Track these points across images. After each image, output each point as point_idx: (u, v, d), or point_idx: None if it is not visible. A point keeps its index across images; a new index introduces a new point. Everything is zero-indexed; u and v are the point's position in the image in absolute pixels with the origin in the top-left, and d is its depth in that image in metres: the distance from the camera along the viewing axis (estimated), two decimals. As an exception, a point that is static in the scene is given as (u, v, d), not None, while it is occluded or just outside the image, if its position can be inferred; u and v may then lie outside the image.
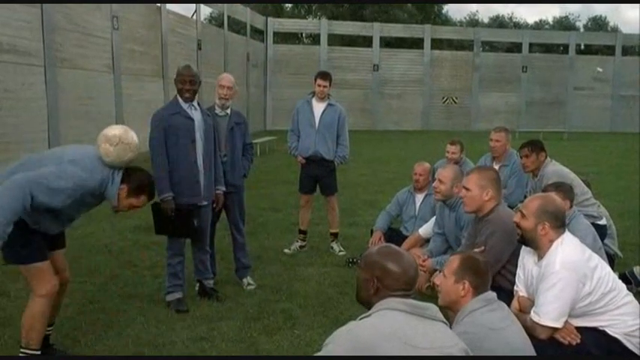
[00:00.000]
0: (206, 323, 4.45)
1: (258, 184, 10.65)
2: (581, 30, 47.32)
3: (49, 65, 12.65)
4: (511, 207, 4.60)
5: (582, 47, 35.76)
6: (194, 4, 22.19)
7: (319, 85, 6.37)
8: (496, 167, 6.03)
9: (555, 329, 3.05)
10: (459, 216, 4.74)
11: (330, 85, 6.42)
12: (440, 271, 2.94)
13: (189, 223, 4.68)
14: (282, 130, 17.97)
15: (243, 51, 27.51)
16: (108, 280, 5.50)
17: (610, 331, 3.10)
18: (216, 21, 33.60)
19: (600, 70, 34.02)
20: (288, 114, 7.21)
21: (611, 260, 4.96)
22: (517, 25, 49.68)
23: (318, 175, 6.53)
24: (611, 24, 52.11)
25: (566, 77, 34.34)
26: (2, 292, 5.00)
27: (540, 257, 3.23)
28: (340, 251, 6.54)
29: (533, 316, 3.09)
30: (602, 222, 5.23)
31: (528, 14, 73.01)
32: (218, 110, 5.24)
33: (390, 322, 2.05)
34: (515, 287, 3.48)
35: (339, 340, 2.02)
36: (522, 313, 3.23)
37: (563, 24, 49.59)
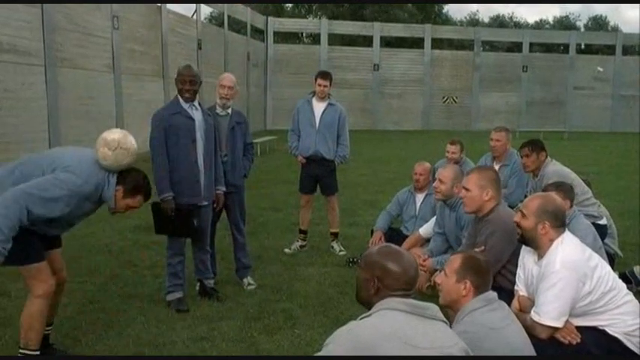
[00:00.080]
0: (206, 323, 4.45)
1: (259, 184, 10.65)
2: (582, 29, 47.32)
3: (49, 65, 12.66)
4: (511, 207, 4.60)
5: (583, 47, 35.74)
6: (194, 4, 22.20)
7: (319, 85, 6.36)
8: (496, 167, 6.03)
9: (555, 329, 3.05)
10: (460, 216, 4.74)
11: (330, 84, 6.42)
12: (440, 271, 2.94)
13: (189, 222, 4.68)
14: (282, 129, 17.97)
15: (243, 51, 27.51)
16: (108, 279, 5.50)
17: (610, 331, 3.10)
18: (216, 20, 33.61)
19: (601, 69, 34.02)
20: (289, 113, 7.21)
21: (612, 260, 4.96)
22: (517, 25, 49.69)
23: (318, 175, 6.53)
24: (612, 23, 52.19)
25: (567, 77, 34.34)
26: (2, 292, 5.00)
27: (540, 257, 3.23)
28: (341, 251, 6.54)
29: (534, 315, 3.09)
30: (603, 222, 5.23)
31: (529, 14, 73.11)
32: (219, 110, 5.24)
33: (390, 321, 2.05)
34: (515, 287, 3.48)
35: (339, 340, 2.02)
36: (523, 312, 3.23)
37: (564, 23, 49.60)
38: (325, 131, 6.39)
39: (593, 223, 4.70)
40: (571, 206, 4.35)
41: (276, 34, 33.18)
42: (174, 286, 4.82)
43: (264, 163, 14.17)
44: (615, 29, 47.83)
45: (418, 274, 2.29)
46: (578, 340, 3.05)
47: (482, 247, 3.84)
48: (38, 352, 3.59)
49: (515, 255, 3.58)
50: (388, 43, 34.90)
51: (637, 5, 57.70)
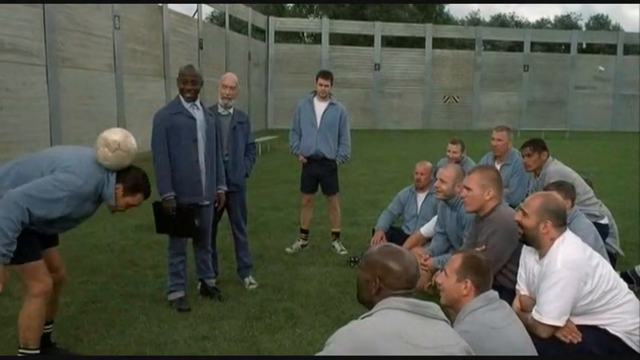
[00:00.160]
0: (208, 322, 4.46)
1: (259, 184, 10.66)
2: (583, 29, 47.27)
3: (50, 65, 12.67)
4: (513, 206, 4.59)
5: (584, 46, 35.73)
6: (195, 4, 22.21)
7: (321, 85, 6.36)
8: (498, 166, 6.03)
9: (557, 328, 3.05)
10: (461, 215, 4.74)
11: (331, 84, 6.42)
12: (441, 270, 2.95)
13: (191, 222, 4.68)
14: (283, 129, 17.98)
15: (244, 50, 27.53)
16: (110, 279, 5.51)
17: (611, 330, 3.10)
18: (217, 20, 33.61)
19: (602, 69, 34.00)
20: (290, 113, 7.21)
21: (613, 259, 4.97)
22: (518, 24, 49.65)
23: (319, 175, 6.53)
24: (613, 23, 51.98)
25: (568, 76, 34.33)
26: (4, 291, 4.97)
27: (542, 256, 3.23)
28: (342, 250, 6.55)
29: (535, 314, 3.09)
30: (604, 221, 5.23)
31: (530, 13, 72.99)
32: (221, 110, 5.25)
33: (391, 321, 2.06)
34: (516, 286, 3.48)
35: (340, 340, 2.03)
36: (524, 311, 3.23)
37: (565, 23, 49.56)
38: (326, 131, 6.39)
39: (595, 223, 4.71)
40: (572, 206, 4.36)
41: (277, 33, 33.20)
42: (175, 285, 4.83)
43: (265, 163, 14.17)
44: (616, 28, 47.81)
45: (419, 273, 2.30)
46: (579, 340, 3.05)
47: (484, 247, 3.84)
48: (38, 352, 3.58)
49: (517, 254, 3.58)
50: (389, 42, 34.91)
51: (638, 5, 57.64)
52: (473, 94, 33.98)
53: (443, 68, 33.84)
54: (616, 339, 3.10)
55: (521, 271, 3.45)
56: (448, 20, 47.85)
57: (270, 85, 31.88)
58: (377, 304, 2.17)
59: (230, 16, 25.96)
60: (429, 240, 5.50)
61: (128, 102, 16.05)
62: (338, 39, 34.33)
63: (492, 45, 40.94)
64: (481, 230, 4.00)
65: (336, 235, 6.72)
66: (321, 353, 2.06)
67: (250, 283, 5.35)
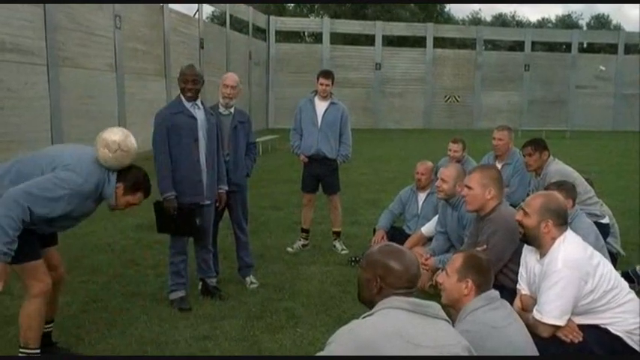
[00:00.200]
0: (209, 322, 4.46)
1: (260, 183, 10.66)
2: (584, 28, 47.23)
3: (51, 64, 12.67)
4: (514, 206, 4.59)
5: (585, 46, 35.67)
6: (196, 4, 22.21)
7: (322, 84, 6.36)
8: (499, 166, 6.03)
9: (558, 327, 3.05)
10: (462, 215, 4.74)
11: (332, 83, 6.41)
12: (442, 270, 2.95)
13: (192, 222, 4.69)
14: (284, 128, 17.98)
15: (245, 50, 27.53)
16: (111, 278, 5.51)
17: (612, 329, 3.10)
18: (218, 20, 33.60)
19: (603, 68, 33.98)
20: (291, 112, 7.21)
21: (614, 259, 4.97)
22: (519, 24, 49.63)
23: (320, 174, 6.53)
24: (614, 22, 51.92)
25: (569, 76, 34.32)
26: (5, 290, 4.96)
27: (542, 255, 3.23)
28: (343, 250, 6.55)
29: (536, 314, 3.09)
30: (605, 220, 5.23)
31: (531, 13, 72.91)
32: (222, 109, 5.25)
33: (392, 320, 2.06)
34: (517, 285, 3.48)
35: (340, 340, 2.03)
36: (525, 311, 3.23)
37: (566, 22, 49.51)
38: (327, 130, 6.39)
39: (596, 222, 4.71)
40: (573, 205, 4.36)
41: (278, 33, 33.20)
42: (176, 284, 4.83)
43: (265, 162, 14.17)
44: (618, 28, 47.75)
45: (420, 272, 2.30)
46: (580, 339, 3.05)
47: (484, 246, 3.84)
48: (38, 351, 3.58)
49: (518, 254, 3.58)
50: (390, 42, 34.90)
51: (638, 5, 57.58)
52: (474, 93, 33.97)
53: (444, 68, 33.82)
54: (617, 338, 3.10)
55: (522, 270, 3.46)
56: (449, 20, 47.83)
57: (270, 84, 31.88)
58: (378, 303, 2.17)
59: (231, 16, 25.96)
60: (430, 239, 5.50)
61: (129, 101, 16.05)
62: (339, 38, 34.33)
63: (493, 44, 40.93)
64: (482, 230, 4.00)
65: (337, 234, 6.72)
66: (322, 353, 2.06)
67: (251, 283, 5.35)
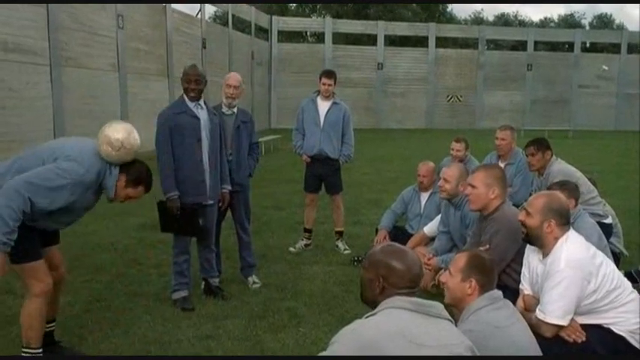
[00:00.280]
0: (212, 321, 4.46)
1: (262, 183, 10.66)
2: (587, 28, 47.15)
3: (54, 64, 12.70)
4: (516, 205, 4.58)
5: (587, 45, 35.63)
6: (199, 4, 22.23)
7: (324, 84, 6.36)
8: (501, 165, 6.02)
9: (561, 327, 3.05)
10: (465, 214, 4.74)
11: (334, 83, 6.41)
12: (445, 270, 2.95)
13: (195, 222, 4.69)
14: (286, 128, 17.97)
15: (247, 50, 27.54)
16: (114, 278, 5.51)
17: (615, 329, 3.10)
18: (220, 20, 33.66)
19: (606, 68, 33.91)
20: (293, 112, 7.21)
21: (617, 258, 4.95)
22: (522, 24, 49.58)
23: (323, 174, 6.53)
24: (617, 21, 51.78)
25: (571, 75, 34.28)
26: (8, 290, 5.02)
27: (545, 255, 3.23)
28: (345, 250, 6.55)
29: (539, 314, 3.09)
30: (608, 220, 5.22)
31: (533, 12, 72.67)
32: (225, 109, 5.25)
33: (395, 320, 2.06)
34: (520, 285, 3.48)
35: (343, 340, 2.03)
36: (528, 311, 3.23)
37: (569, 22, 49.44)
38: (330, 130, 6.39)
39: (599, 222, 4.69)
40: (576, 205, 4.35)
41: (280, 33, 33.23)
42: (179, 284, 4.84)
43: (268, 162, 14.18)
44: (620, 27, 47.62)
45: (422, 272, 2.30)
46: (583, 339, 3.05)
47: (487, 246, 3.84)
48: (40, 351, 3.58)
49: (520, 254, 3.58)
50: (392, 41, 34.89)
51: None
52: (476, 93, 33.94)
53: (446, 67, 33.81)
54: (620, 338, 3.10)
55: (524, 270, 3.46)
56: (451, 19, 47.78)
57: (273, 84, 31.89)
58: (381, 303, 2.17)
59: (233, 16, 25.98)
60: (432, 239, 5.50)
61: (132, 101, 16.07)
62: (341, 38, 34.34)
63: (496, 44, 40.90)
64: (485, 229, 4.00)
65: (340, 234, 6.72)
66: (324, 353, 2.06)
67: (254, 283, 5.35)
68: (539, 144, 5.41)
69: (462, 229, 4.85)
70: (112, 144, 3.48)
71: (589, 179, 5.43)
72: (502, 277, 3.68)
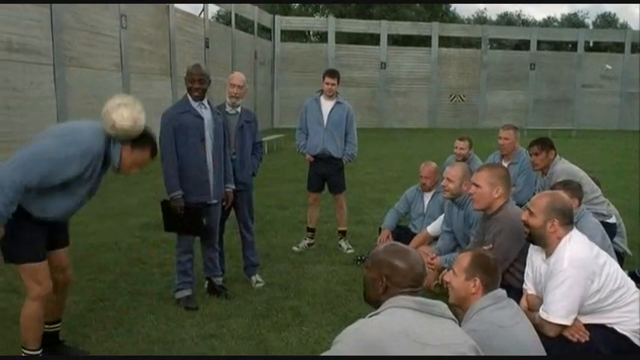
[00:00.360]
0: (215, 320, 4.47)
1: (265, 182, 10.66)
2: (590, 27, 47.03)
3: (57, 64, 12.72)
4: (520, 205, 4.59)
5: (591, 44, 35.55)
6: (202, 3, 22.25)
7: (327, 83, 6.37)
8: (505, 165, 6.02)
9: (564, 327, 3.05)
10: (468, 214, 4.73)
11: (338, 82, 6.42)
12: (448, 269, 2.95)
13: (199, 221, 4.70)
14: (289, 128, 17.97)
15: (250, 49, 27.55)
16: (117, 277, 5.53)
17: (619, 329, 3.10)
18: (223, 19, 33.64)
19: (609, 67, 33.82)
20: (296, 112, 7.22)
21: (621, 258, 4.94)
22: (525, 23, 49.45)
23: (326, 174, 6.54)
24: (621, 21, 51.66)
25: (575, 75, 34.20)
26: (12, 288, 5.03)
27: (548, 255, 3.23)
28: (348, 249, 6.55)
29: (542, 313, 3.09)
30: (612, 220, 5.21)
31: (536, 11, 72.65)
32: (229, 109, 5.26)
33: (398, 319, 2.06)
34: (523, 285, 3.48)
35: (346, 339, 2.04)
36: (531, 311, 3.23)
37: (572, 21, 49.30)
38: (333, 129, 6.39)
39: (602, 222, 4.69)
40: (579, 205, 4.34)
41: (283, 32, 33.20)
42: (183, 283, 4.85)
43: (271, 162, 14.17)
44: (624, 27, 47.49)
45: (425, 271, 2.30)
46: (587, 338, 3.05)
47: (490, 245, 3.84)
48: (38, 352, 3.57)
49: (524, 253, 3.58)
50: (395, 41, 34.84)
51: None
52: (479, 92, 33.89)
53: (449, 67, 33.76)
54: (624, 338, 3.10)
55: (528, 270, 3.45)
56: (454, 19, 47.71)
57: (276, 83, 31.88)
58: (384, 302, 2.17)
59: (236, 15, 26.00)
60: (435, 239, 5.50)
61: (135, 101, 16.07)
62: (344, 38, 34.32)
63: (499, 43, 40.82)
64: (488, 229, 4.00)
65: (343, 233, 6.73)
66: (328, 352, 2.07)
67: (257, 282, 5.36)
68: (543, 143, 5.40)
69: (465, 228, 4.85)
70: (117, 131, 3.39)
71: (593, 179, 5.41)
72: (505, 277, 3.68)
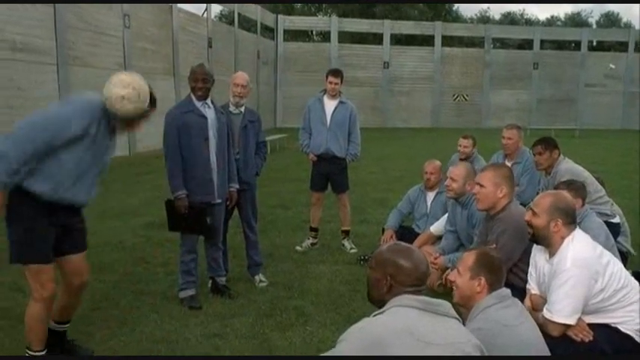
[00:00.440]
0: (219, 320, 4.48)
1: (268, 182, 10.66)
2: (594, 26, 46.93)
3: (61, 64, 12.76)
4: (523, 205, 4.59)
5: (594, 44, 35.46)
6: (205, 3, 22.28)
7: (330, 83, 6.37)
8: (508, 165, 6.02)
9: (568, 326, 3.05)
10: (471, 213, 4.74)
11: (341, 82, 6.42)
12: (452, 269, 2.95)
13: (203, 220, 4.71)
14: (292, 127, 17.97)
15: (253, 49, 27.57)
16: (121, 276, 5.54)
17: (622, 328, 3.10)
18: (226, 19, 33.68)
19: (613, 66, 33.74)
20: (299, 111, 7.22)
21: (624, 258, 4.94)
22: (528, 22, 49.33)
23: (329, 173, 6.54)
24: (624, 20, 51.50)
25: (578, 74, 34.13)
26: (17, 287, 5.04)
27: (552, 254, 3.23)
28: (352, 249, 6.55)
29: (546, 313, 3.10)
30: (616, 220, 5.21)
31: (540, 11, 72.57)
32: (232, 108, 5.26)
33: (402, 318, 2.07)
34: (527, 285, 3.48)
35: (351, 338, 2.04)
36: (535, 310, 3.23)
37: (575, 20, 49.17)
38: (336, 129, 6.40)
39: (606, 222, 4.68)
40: (583, 205, 4.34)
41: (286, 32, 33.20)
42: (186, 283, 4.86)
43: (274, 161, 14.17)
44: (628, 26, 47.35)
45: (429, 270, 2.31)
46: (591, 338, 3.05)
47: (494, 245, 3.84)
48: (42, 353, 3.57)
49: (527, 253, 3.58)
50: (398, 40, 34.84)
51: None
52: (482, 92, 33.86)
53: (452, 66, 33.74)
54: (627, 337, 3.10)
55: (531, 270, 3.46)
56: (457, 18, 47.62)
57: (279, 83, 31.89)
58: (388, 302, 2.18)
59: (239, 15, 26.02)
60: (439, 238, 5.51)
61: (138, 100, 16.10)
62: (347, 37, 34.30)
63: (502, 43, 40.74)
64: (491, 229, 4.00)
65: (346, 233, 6.73)
66: (332, 350, 2.08)
67: (260, 281, 5.36)
68: (547, 143, 5.40)
69: (468, 228, 4.85)
70: (121, 115, 3.51)
71: (597, 179, 5.41)
72: (509, 277, 3.67)
